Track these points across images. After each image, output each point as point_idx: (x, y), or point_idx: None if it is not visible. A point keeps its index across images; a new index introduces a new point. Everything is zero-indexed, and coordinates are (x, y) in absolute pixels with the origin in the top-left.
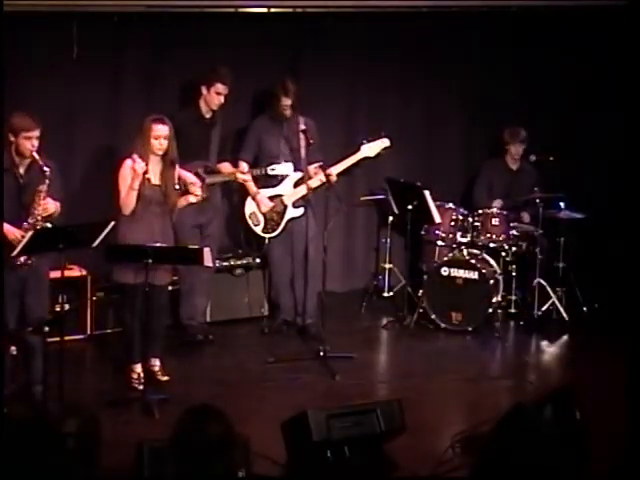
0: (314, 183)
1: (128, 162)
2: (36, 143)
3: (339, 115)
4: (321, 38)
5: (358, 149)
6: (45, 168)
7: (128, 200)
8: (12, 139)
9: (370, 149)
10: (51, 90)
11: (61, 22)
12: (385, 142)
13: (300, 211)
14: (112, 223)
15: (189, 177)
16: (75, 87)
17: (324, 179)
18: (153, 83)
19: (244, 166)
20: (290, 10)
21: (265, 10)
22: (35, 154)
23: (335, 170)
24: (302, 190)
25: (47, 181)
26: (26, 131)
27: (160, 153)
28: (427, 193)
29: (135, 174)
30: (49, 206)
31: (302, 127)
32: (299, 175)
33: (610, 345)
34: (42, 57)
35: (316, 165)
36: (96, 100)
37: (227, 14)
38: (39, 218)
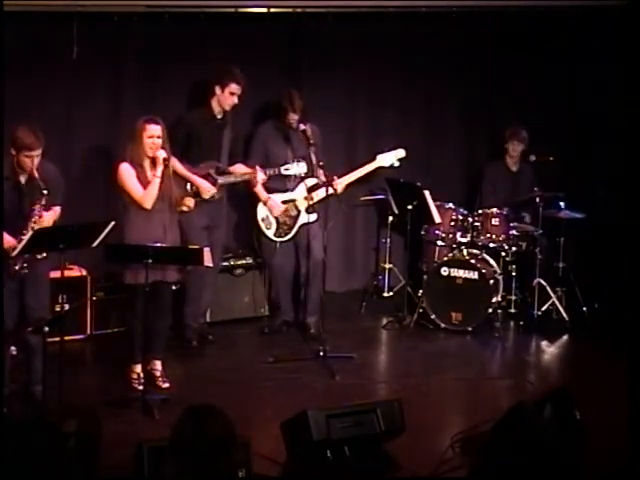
0: (340, 188)
1: (124, 165)
2: (37, 161)
3: (339, 115)
4: (321, 38)
5: (373, 158)
6: (43, 188)
7: (152, 191)
8: (13, 153)
9: (385, 159)
10: (51, 90)
11: (61, 22)
12: (400, 153)
13: (314, 217)
14: (112, 223)
15: (199, 181)
16: (75, 87)
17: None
18: (153, 83)
19: (258, 168)
20: (290, 10)
21: (265, 10)
22: (35, 172)
23: (349, 179)
24: (321, 194)
25: (44, 200)
26: (28, 150)
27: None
28: (427, 193)
29: (157, 162)
30: (45, 221)
31: (302, 127)
32: (313, 181)
33: (610, 345)
34: (42, 57)
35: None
36: (96, 100)
37: (227, 14)
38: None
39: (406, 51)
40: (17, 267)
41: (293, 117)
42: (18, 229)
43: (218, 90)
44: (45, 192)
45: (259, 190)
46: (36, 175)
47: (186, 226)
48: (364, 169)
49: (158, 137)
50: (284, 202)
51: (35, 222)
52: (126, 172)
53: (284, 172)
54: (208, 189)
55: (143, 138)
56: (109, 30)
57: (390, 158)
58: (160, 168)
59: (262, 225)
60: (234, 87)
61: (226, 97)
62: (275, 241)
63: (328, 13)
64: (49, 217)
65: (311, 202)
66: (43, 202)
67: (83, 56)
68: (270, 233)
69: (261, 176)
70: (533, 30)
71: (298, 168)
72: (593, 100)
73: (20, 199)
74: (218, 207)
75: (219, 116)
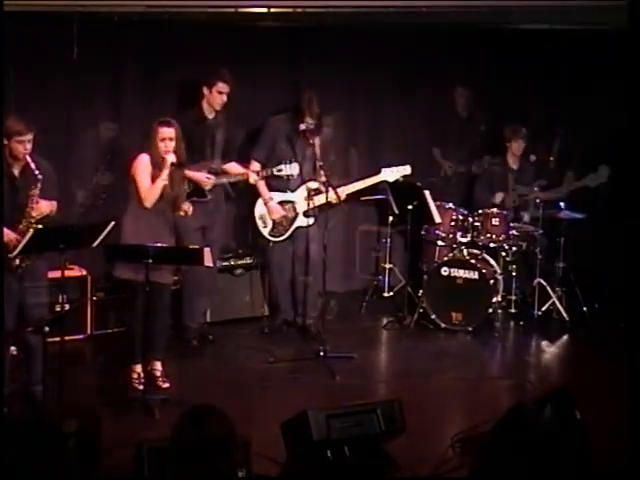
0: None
1: (143, 157)
2: (29, 146)
3: (339, 114)
4: (321, 38)
5: (378, 172)
6: (37, 173)
7: (155, 191)
8: (5, 142)
9: (389, 174)
10: (51, 90)
11: (61, 22)
12: (406, 169)
13: (310, 220)
14: (112, 223)
15: (195, 175)
16: (75, 87)
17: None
18: (153, 82)
19: (256, 165)
20: (290, 10)
21: (265, 10)
22: (28, 157)
23: (350, 189)
24: (321, 199)
25: (39, 185)
26: (18, 135)
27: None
28: (427, 193)
29: (164, 165)
30: (42, 208)
31: (302, 127)
32: (315, 184)
33: (610, 345)
34: (42, 57)
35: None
36: (96, 100)
37: (227, 14)
38: (32, 221)
39: (406, 51)
40: (17, 263)
41: (309, 121)
42: (15, 221)
43: (206, 90)
44: (40, 177)
45: (262, 189)
46: (30, 161)
47: (181, 228)
48: (367, 181)
49: (171, 139)
50: (284, 202)
51: (32, 209)
52: (142, 163)
53: (277, 173)
54: (206, 180)
55: (157, 141)
56: (109, 30)
57: (395, 174)
58: (166, 171)
59: (258, 222)
60: (221, 86)
61: (214, 97)
62: (269, 240)
63: (328, 13)
64: (46, 206)
65: (311, 206)
66: (39, 186)
67: (83, 56)
68: (265, 232)
69: (253, 178)
70: (533, 30)
71: (291, 169)
72: (593, 100)
73: (14, 191)
74: (213, 207)
75: (210, 116)
